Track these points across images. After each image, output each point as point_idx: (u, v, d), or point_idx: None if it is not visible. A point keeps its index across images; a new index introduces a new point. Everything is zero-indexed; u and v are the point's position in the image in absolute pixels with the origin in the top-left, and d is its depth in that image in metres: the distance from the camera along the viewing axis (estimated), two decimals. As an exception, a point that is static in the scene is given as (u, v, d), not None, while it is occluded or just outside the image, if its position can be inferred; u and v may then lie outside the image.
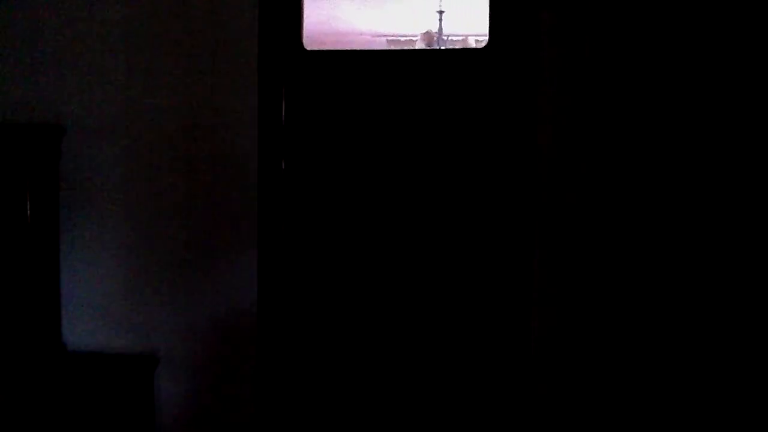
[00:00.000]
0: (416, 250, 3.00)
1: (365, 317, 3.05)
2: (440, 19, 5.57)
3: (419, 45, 5.72)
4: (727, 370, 2.74)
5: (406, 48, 6.54)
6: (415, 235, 3.00)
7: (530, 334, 2.86)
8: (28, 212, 2.80)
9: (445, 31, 5.65)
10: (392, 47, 6.75)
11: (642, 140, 2.75)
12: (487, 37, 2.93)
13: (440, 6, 5.48)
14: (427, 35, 5.58)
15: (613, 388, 2.81)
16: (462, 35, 5.90)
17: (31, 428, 2.70)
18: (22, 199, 2.80)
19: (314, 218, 3.04)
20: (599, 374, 2.82)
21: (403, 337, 3.03)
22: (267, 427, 3.03)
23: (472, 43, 5.77)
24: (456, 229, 2.97)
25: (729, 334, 2.73)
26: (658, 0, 2.71)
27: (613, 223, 2.78)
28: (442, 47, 5.59)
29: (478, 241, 2.95)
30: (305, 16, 3.03)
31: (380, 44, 6.79)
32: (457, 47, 5.81)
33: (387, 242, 3.02)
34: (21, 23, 2.99)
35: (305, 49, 3.00)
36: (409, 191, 2.99)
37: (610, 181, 2.77)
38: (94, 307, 3.03)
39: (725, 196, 2.71)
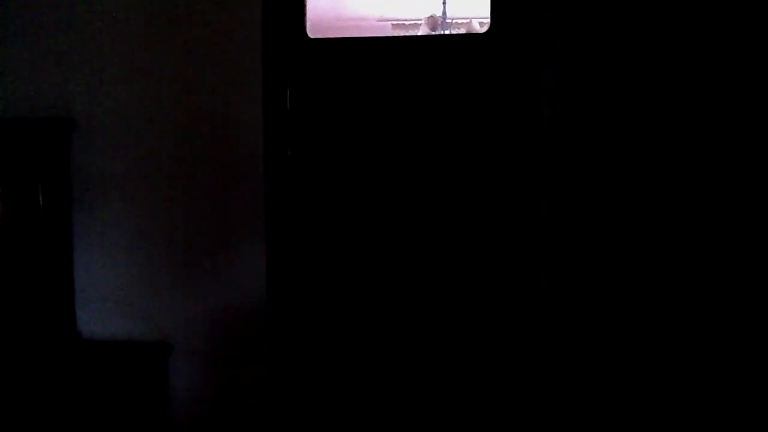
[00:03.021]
0: (423, 235, 3.03)
1: (374, 304, 3.09)
2: (444, 3, 5.56)
3: (423, 29, 5.71)
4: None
5: (410, 32, 6.53)
6: (422, 221, 3.03)
7: (537, 328, 2.90)
8: (41, 204, 2.86)
9: (449, 14, 5.64)
10: (397, 32, 6.74)
11: (647, 126, 2.76)
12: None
13: (444, -10, 5.48)
14: (431, 19, 5.57)
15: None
16: (466, 18, 5.88)
17: (49, 414, 2.77)
18: (34, 191, 2.85)
19: (320, 205, 3.08)
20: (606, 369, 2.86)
21: (411, 323, 3.07)
22: (279, 414, 3.09)
23: (476, 26, 5.74)
24: (462, 214, 3.00)
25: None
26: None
27: (616, 211, 2.80)
28: (446, 31, 5.58)
29: (483, 226, 2.98)
30: (308, 3, 3.05)
31: (385, 29, 6.77)
32: (461, 31, 5.79)
33: (394, 228, 3.05)
34: (32, 18, 3.03)
35: (309, 38, 3.02)
36: (415, 176, 3.02)
37: (614, 167, 2.79)
38: (108, 296, 3.09)
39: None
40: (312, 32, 3.04)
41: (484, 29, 2.98)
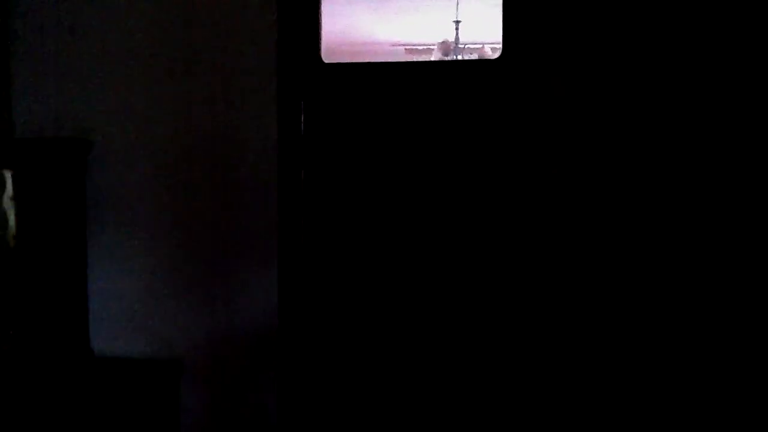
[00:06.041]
0: (437, 258, 3.04)
1: (386, 325, 3.08)
2: (457, 29, 5.63)
3: (436, 54, 5.78)
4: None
5: (423, 57, 6.61)
6: (435, 244, 3.04)
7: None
8: (56, 222, 2.90)
9: (461, 40, 5.71)
10: (410, 56, 6.83)
11: (651, 152, 2.80)
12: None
13: (457, 16, 5.55)
14: (444, 45, 5.64)
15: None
16: (478, 44, 5.96)
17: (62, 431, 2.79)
18: (50, 211, 2.88)
19: (334, 228, 3.09)
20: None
21: (427, 350, 3.06)
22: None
23: (488, 52, 5.82)
24: (476, 238, 3.01)
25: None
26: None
27: (614, 222, 2.83)
28: (459, 56, 5.65)
29: (500, 253, 2.99)
30: (323, 27, 3.10)
31: (398, 53, 6.86)
32: (474, 56, 5.87)
33: (408, 250, 3.05)
34: (49, 38, 3.09)
35: (323, 62, 3.06)
36: (427, 199, 3.03)
37: (624, 188, 2.82)
38: (121, 315, 3.11)
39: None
40: (326, 57, 3.09)
41: (497, 55, 3.02)
